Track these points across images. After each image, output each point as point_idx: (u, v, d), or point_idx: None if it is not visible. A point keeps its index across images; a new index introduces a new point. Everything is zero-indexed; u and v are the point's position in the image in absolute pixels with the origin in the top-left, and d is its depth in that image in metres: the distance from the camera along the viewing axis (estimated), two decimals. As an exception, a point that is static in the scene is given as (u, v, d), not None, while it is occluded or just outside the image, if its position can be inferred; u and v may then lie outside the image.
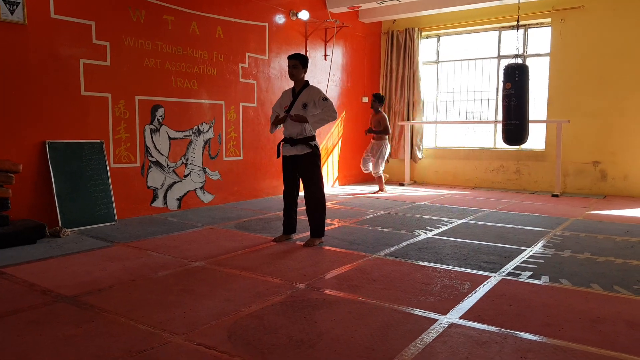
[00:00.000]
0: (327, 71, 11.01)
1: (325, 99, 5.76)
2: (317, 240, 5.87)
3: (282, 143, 5.94)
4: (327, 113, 5.72)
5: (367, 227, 6.88)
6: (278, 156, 6.03)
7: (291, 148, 5.81)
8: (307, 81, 5.92)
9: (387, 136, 10.36)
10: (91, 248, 5.60)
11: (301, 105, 5.76)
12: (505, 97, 8.51)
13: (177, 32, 7.85)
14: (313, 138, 5.81)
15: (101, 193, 6.83)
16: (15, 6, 5.98)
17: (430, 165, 12.46)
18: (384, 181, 10.62)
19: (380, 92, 12.87)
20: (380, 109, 10.30)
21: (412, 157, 12.39)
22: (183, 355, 2.99)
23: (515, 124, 8.45)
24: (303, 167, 5.83)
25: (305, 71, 5.90)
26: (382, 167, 10.43)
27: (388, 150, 10.47)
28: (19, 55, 6.11)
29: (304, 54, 9.92)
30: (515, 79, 8.34)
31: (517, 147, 10.80)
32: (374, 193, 10.44)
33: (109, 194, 6.92)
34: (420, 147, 12.36)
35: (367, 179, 12.79)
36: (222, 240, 6.08)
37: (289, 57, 5.86)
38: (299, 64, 5.81)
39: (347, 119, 11.78)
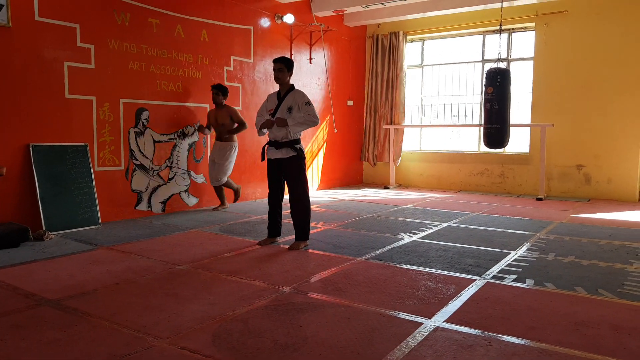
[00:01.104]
0: (312, 75, 11.01)
1: (308, 103, 5.77)
2: (302, 244, 5.86)
3: (266, 146, 5.93)
4: (308, 118, 5.73)
5: (351, 230, 6.88)
6: (263, 159, 6.01)
7: (276, 151, 5.80)
8: (292, 85, 5.92)
9: (236, 137, 8.52)
10: (75, 251, 5.56)
11: (286, 108, 5.77)
12: (486, 101, 8.57)
13: (162, 35, 7.82)
14: (298, 141, 5.81)
15: (85, 196, 6.78)
16: (-2, 8, 5.94)
17: (415, 169, 12.50)
18: (224, 192, 8.76)
19: (366, 96, 12.90)
20: (224, 102, 8.34)
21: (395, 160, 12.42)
22: (167, 359, 2.98)
23: (496, 128, 8.50)
24: (288, 170, 5.82)
25: (291, 74, 5.90)
26: (227, 174, 8.53)
27: (235, 155, 8.56)
28: (3, 57, 6.05)
29: (289, 57, 9.93)
30: (497, 84, 8.39)
31: (500, 150, 10.84)
32: (214, 209, 8.59)
33: (93, 197, 6.87)
34: (399, 151, 12.37)
35: (352, 183, 12.81)
36: (207, 243, 6.05)
37: (274, 61, 5.85)
38: (284, 67, 5.81)
39: (332, 122, 11.78)
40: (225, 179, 8.44)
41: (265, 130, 5.93)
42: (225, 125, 8.23)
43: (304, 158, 5.86)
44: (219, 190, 8.54)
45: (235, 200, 8.89)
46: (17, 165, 6.25)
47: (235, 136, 8.42)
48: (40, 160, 6.40)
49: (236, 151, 8.47)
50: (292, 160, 5.78)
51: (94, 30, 6.94)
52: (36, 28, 6.35)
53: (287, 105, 5.78)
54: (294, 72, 6.09)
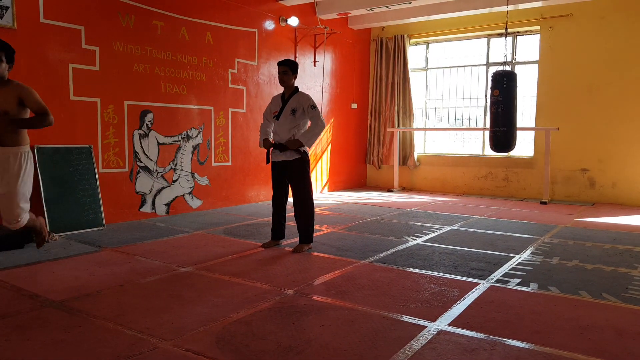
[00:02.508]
0: (316, 77, 11.02)
1: (314, 106, 5.77)
2: (306, 247, 5.86)
3: (271, 149, 5.93)
4: (316, 124, 5.74)
5: (355, 233, 6.88)
6: (268, 162, 6.01)
7: (280, 154, 5.80)
8: (296, 87, 5.93)
9: (28, 138, 4.87)
10: (79, 253, 5.57)
11: (290, 111, 5.77)
12: (492, 104, 8.56)
13: (167, 38, 7.84)
14: (302, 144, 5.83)
15: (89, 198, 6.79)
16: (4, 10, 5.95)
17: (418, 172, 12.48)
18: (46, 229, 5.30)
19: (370, 99, 12.89)
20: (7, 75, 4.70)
21: (408, 164, 12.42)
22: (171, 362, 2.98)
23: (502, 131, 8.48)
24: (292, 172, 5.83)
25: (295, 77, 5.91)
26: (28, 203, 4.89)
27: (32, 168, 4.89)
28: (8, 59, 6.08)
29: (294, 60, 9.93)
30: (503, 86, 8.38)
31: (505, 154, 10.84)
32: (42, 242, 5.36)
33: (97, 198, 6.88)
34: (414, 154, 12.38)
35: (356, 185, 12.80)
36: (211, 245, 6.06)
37: (279, 63, 5.85)
38: (289, 70, 5.81)
39: (337, 125, 11.79)
40: (26, 215, 4.90)
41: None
42: (9, 113, 4.62)
43: (308, 161, 5.86)
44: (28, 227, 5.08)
45: (39, 244, 5.28)
46: (21, 167, 6.25)
47: (26, 137, 4.85)
48: (44, 161, 6.41)
49: (32, 162, 4.89)
50: (296, 163, 5.77)
51: (99, 32, 6.96)
52: (41, 30, 6.37)
53: (290, 107, 5.79)
54: (299, 74, 6.09)
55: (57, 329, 3.42)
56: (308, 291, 4.34)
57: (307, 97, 5.84)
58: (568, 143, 10.44)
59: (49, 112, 4.75)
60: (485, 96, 11.41)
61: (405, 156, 12.45)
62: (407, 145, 12.46)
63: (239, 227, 7.21)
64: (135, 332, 3.39)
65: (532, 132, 10.96)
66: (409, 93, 12.21)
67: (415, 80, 12.53)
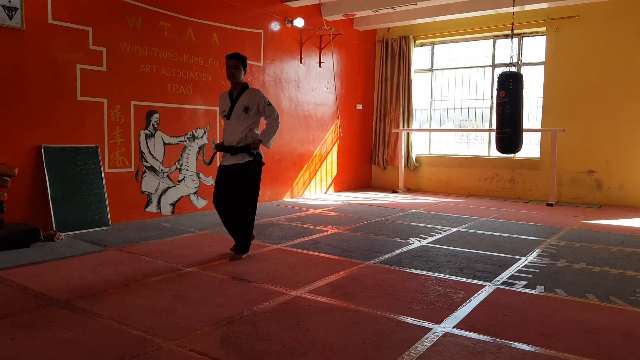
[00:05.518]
0: (321, 78, 11.02)
1: (270, 103, 5.46)
2: (243, 255, 5.52)
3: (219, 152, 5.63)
4: (274, 122, 5.43)
5: (360, 234, 6.87)
6: (209, 163, 5.86)
7: (232, 157, 5.45)
8: (245, 83, 5.60)
9: None
10: (85, 252, 5.58)
11: (242, 109, 5.41)
12: (499, 105, 8.49)
13: (173, 39, 7.85)
14: (261, 145, 5.51)
15: (95, 197, 6.81)
16: (13, 12, 5.98)
17: (424, 173, 12.47)
18: None
19: (376, 100, 12.90)
20: None
21: (409, 164, 12.41)
22: (176, 362, 2.98)
23: (509, 132, 8.43)
24: (242, 176, 5.44)
25: (245, 73, 5.59)
26: None
27: None
28: (17, 60, 6.10)
29: (300, 61, 9.95)
30: (510, 87, 8.33)
31: (510, 155, 10.79)
32: None
33: (103, 198, 6.90)
34: (413, 155, 12.37)
35: (361, 186, 12.79)
36: (216, 245, 6.06)
37: (229, 57, 5.44)
38: (239, 64, 5.45)
39: (342, 125, 11.77)
40: None
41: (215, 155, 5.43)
42: None
43: (261, 164, 5.53)
44: None
45: None
46: (28, 166, 6.28)
47: None
48: (51, 161, 6.43)
49: None
50: (249, 166, 5.44)
51: (106, 33, 6.98)
52: (49, 31, 6.39)
53: (242, 104, 5.42)
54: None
55: (62, 328, 3.43)
56: (312, 292, 4.34)
57: (261, 94, 5.49)
58: (574, 144, 10.41)
59: None
60: (491, 97, 11.39)
61: (406, 157, 12.43)
62: (407, 146, 12.43)
63: (245, 227, 7.20)
64: (140, 331, 3.40)
65: (539, 134, 10.93)
66: (410, 94, 12.20)
67: (421, 81, 12.52)
